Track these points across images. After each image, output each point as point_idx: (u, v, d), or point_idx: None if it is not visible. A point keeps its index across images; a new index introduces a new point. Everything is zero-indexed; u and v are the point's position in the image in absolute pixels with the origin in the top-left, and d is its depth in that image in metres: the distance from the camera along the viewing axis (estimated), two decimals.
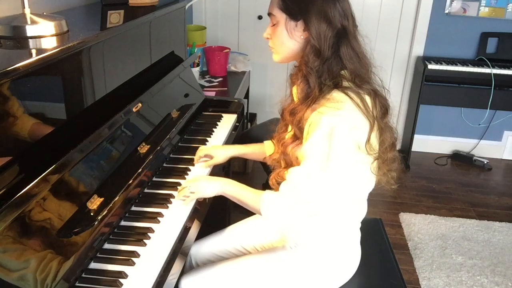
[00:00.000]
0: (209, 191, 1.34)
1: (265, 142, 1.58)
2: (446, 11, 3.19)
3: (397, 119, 3.52)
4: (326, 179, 1.15)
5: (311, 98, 1.17)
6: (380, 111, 1.20)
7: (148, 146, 1.45)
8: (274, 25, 1.24)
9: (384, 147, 1.21)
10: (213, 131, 1.86)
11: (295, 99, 1.29)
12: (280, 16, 1.21)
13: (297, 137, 1.23)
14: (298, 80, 1.22)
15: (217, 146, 1.67)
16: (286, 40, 1.22)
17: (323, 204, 1.21)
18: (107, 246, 1.16)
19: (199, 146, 1.70)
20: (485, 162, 3.40)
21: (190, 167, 1.56)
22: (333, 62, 1.17)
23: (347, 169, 1.17)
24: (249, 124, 3.31)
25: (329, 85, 1.17)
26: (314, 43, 1.16)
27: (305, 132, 1.18)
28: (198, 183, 1.36)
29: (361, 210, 1.35)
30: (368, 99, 1.17)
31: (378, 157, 1.20)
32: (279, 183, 1.27)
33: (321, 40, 1.16)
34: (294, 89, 1.29)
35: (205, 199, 1.39)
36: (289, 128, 1.31)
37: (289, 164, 1.27)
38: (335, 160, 1.13)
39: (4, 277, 0.85)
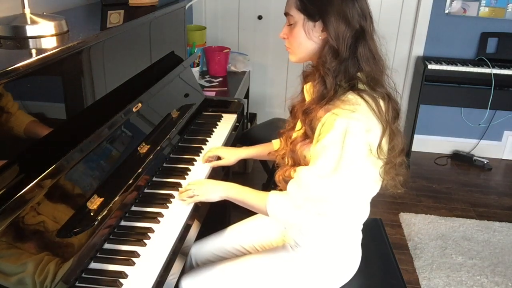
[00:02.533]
0: (214, 195, 1.34)
1: (273, 141, 1.58)
2: (446, 11, 3.19)
3: None
4: (335, 181, 1.15)
5: (326, 98, 1.16)
6: (392, 115, 1.19)
7: (148, 146, 1.45)
8: (291, 25, 1.22)
9: (395, 152, 1.21)
10: (213, 131, 1.86)
11: (307, 96, 1.28)
12: (298, 17, 1.19)
13: (307, 136, 1.22)
14: (314, 81, 1.20)
15: (226, 148, 1.66)
16: (304, 41, 1.20)
17: (330, 205, 1.20)
18: (107, 246, 1.16)
19: (199, 146, 1.70)
20: (485, 162, 3.40)
21: (190, 167, 1.56)
22: (350, 63, 1.16)
23: (357, 172, 1.16)
24: (249, 124, 3.31)
25: (344, 86, 1.16)
26: (333, 44, 1.15)
27: (316, 132, 1.18)
28: (203, 186, 1.36)
29: (364, 213, 1.35)
30: (382, 102, 1.16)
31: (388, 161, 1.20)
32: (286, 181, 1.26)
33: (339, 41, 1.14)
34: (306, 86, 1.29)
35: (202, 201, 1.39)
36: (298, 125, 1.31)
37: (296, 162, 1.26)
38: (347, 162, 1.12)
39: (2, 281, 0.85)
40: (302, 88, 1.31)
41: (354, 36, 1.15)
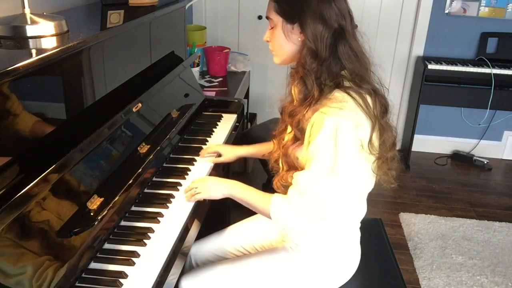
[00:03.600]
0: (218, 193, 1.34)
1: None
2: (446, 11, 3.19)
3: (397, 119, 3.52)
4: (333, 181, 1.15)
5: (309, 99, 1.16)
6: (380, 110, 1.20)
7: (148, 146, 1.45)
8: (272, 28, 1.24)
9: (386, 147, 1.21)
10: (213, 131, 1.86)
11: (294, 98, 1.29)
12: (277, 20, 1.21)
13: (297, 138, 1.22)
14: (295, 81, 1.22)
15: (226, 145, 1.67)
16: (284, 43, 1.22)
17: (331, 207, 1.20)
18: (107, 246, 1.16)
19: (199, 146, 1.70)
20: (485, 162, 3.40)
21: (190, 167, 1.56)
22: (332, 62, 1.17)
23: (352, 169, 1.16)
24: (249, 124, 3.31)
25: (330, 85, 1.17)
26: (311, 45, 1.16)
27: (307, 133, 1.18)
28: (207, 183, 1.36)
29: (361, 210, 1.35)
30: (369, 98, 1.17)
31: (380, 156, 1.20)
32: (284, 186, 1.27)
33: (317, 42, 1.15)
34: (293, 87, 1.29)
35: (205, 199, 1.39)
36: (289, 128, 1.31)
37: (291, 166, 1.26)
38: (341, 161, 1.13)
39: (2, 278, 0.85)
40: (290, 90, 1.31)
41: (332, 36, 1.16)
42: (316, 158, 1.14)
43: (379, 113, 1.19)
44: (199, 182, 1.37)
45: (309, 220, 1.20)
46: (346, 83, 1.17)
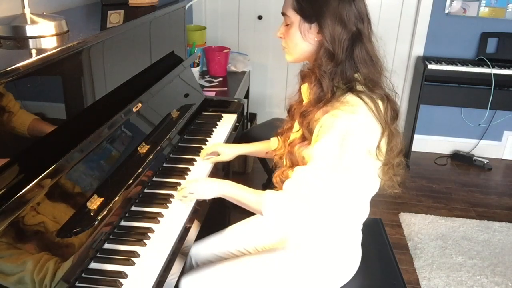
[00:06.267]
0: (208, 193, 1.33)
1: (271, 139, 1.58)
2: (446, 11, 3.19)
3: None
4: (332, 181, 1.15)
5: (323, 101, 1.16)
6: (391, 116, 1.19)
7: (148, 146, 1.45)
8: (287, 25, 1.22)
9: (394, 153, 1.21)
10: (213, 131, 1.86)
11: (304, 97, 1.28)
12: (294, 18, 1.19)
13: (305, 138, 1.22)
14: (311, 83, 1.20)
15: (224, 144, 1.67)
16: (300, 42, 1.20)
17: (325, 205, 1.20)
18: (107, 246, 1.16)
19: (199, 146, 1.70)
20: (485, 162, 3.40)
21: (190, 167, 1.56)
22: (347, 65, 1.16)
23: (355, 173, 1.16)
24: (249, 124, 3.31)
25: (342, 88, 1.16)
26: (328, 47, 1.15)
27: (315, 133, 1.17)
28: (197, 184, 1.35)
29: (364, 213, 1.35)
30: (380, 104, 1.16)
31: (386, 162, 1.19)
32: (283, 182, 1.26)
33: (335, 44, 1.14)
34: (303, 87, 1.29)
35: (204, 199, 1.39)
36: (295, 126, 1.31)
37: (294, 164, 1.26)
38: (345, 164, 1.12)
39: (2, 280, 0.85)
40: (300, 88, 1.31)
41: (350, 39, 1.15)
42: (320, 157, 1.14)
43: (390, 119, 1.18)
44: (191, 183, 1.36)
45: (299, 212, 1.20)
46: (359, 87, 1.16)
